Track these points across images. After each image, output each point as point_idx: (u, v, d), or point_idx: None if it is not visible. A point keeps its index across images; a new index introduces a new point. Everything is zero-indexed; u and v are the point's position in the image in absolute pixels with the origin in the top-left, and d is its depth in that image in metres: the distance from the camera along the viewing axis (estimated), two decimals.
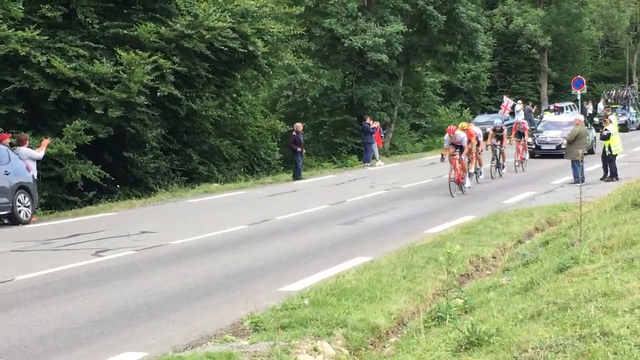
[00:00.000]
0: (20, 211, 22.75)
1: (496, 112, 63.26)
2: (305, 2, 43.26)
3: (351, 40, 44.58)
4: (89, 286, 13.78)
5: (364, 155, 41.73)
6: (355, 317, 10.76)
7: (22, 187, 22.91)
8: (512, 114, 60.38)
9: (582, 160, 25.98)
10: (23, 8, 27.53)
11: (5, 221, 22.81)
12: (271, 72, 37.20)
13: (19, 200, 22.71)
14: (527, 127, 34.52)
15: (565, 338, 8.21)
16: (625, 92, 65.91)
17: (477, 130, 30.32)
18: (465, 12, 49.18)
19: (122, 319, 11.51)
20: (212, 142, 35.81)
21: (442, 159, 27.33)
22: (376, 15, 46.60)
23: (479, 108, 67.06)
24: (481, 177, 30.35)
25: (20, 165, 23.32)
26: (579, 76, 64.19)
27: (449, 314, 10.79)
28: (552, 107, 60.72)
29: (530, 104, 64.97)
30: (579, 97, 61.51)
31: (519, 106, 59.98)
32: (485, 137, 33.13)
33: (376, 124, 42.22)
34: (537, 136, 41.22)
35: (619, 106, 60.86)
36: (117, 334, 10.77)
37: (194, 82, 32.66)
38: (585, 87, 62.96)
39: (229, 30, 31.30)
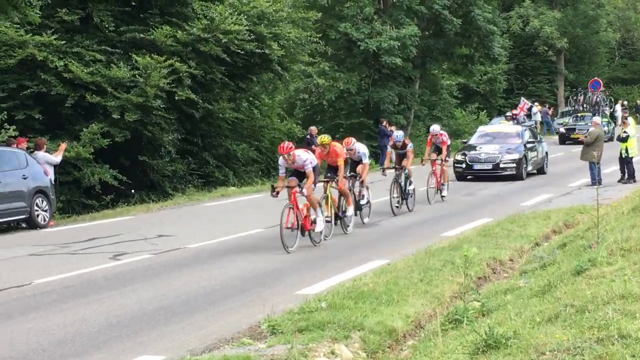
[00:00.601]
0: (38, 215, 22.83)
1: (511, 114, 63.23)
2: (319, 2, 43.26)
3: (367, 43, 44.57)
4: (106, 290, 13.82)
5: (380, 158, 41.68)
6: (373, 320, 10.75)
7: (39, 191, 22.99)
8: (529, 115, 60.28)
9: (598, 162, 25.95)
10: (40, 13, 27.65)
11: (23, 225, 22.90)
12: (287, 76, 37.23)
13: (36, 204, 22.79)
14: (447, 141, 26.14)
15: (583, 341, 8.18)
16: (595, 97, 59.87)
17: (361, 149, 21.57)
18: (482, 15, 49.10)
19: (139, 323, 11.53)
20: (228, 146, 35.83)
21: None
22: (391, 18, 46.57)
23: (496, 110, 66.90)
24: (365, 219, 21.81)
25: (38, 169, 23.39)
26: (595, 78, 63.98)
27: (466, 317, 10.77)
28: (509, 114, 55.05)
29: (547, 105, 64.86)
30: (596, 100, 61.25)
31: (535, 108, 59.89)
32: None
33: (393, 128, 42.20)
34: (469, 153, 33.18)
35: (587, 114, 54.63)
36: (135, 337, 10.79)
37: (210, 85, 32.72)
38: (602, 88, 62.35)
39: (246, 33, 31.34)
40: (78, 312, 12.24)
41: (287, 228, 17.12)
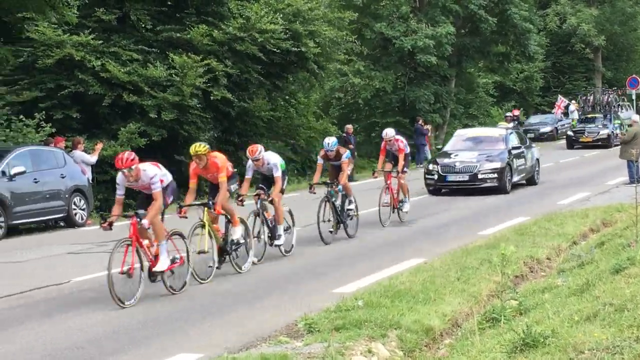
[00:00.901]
0: (75, 214, 23.02)
1: (550, 112, 62.92)
2: (354, 2, 43.20)
3: (402, 41, 44.52)
4: (145, 288, 13.86)
5: (416, 156, 41.65)
6: (409, 319, 10.73)
7: (77, 190, 23.18)
8: (566, 114, 59.92)
9: (636, 160, 25.71)
10: (77, 13, 27.84)
11: (61, 224, 23.10)
12: (323, 75, 37.23)
13: (74, 203, 22.99)
14: (404, 148, 21.10)
15: (622, 339, 8.13)
16: (607, 97, 54.29)
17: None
18: (518, 13, 48.88)
19: (177, 321, 11.57)
20: (265, 144, 35.85)
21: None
22: (427, 16, 46.48)
23: (532, 108, 66.59)
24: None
25: (76, 168, 23.59)
26: (634, 75, 63.32)
27: (504, 316, 10.73)
28: (511, 114, 51.53)
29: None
30: (634, 97, 60.69)
31: (572, 106, 59.46)
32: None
33: (429, 126, 42.17)
34: (442, 161, 27.86)
35: (598, 115, 51.23)
36: (172, 335, 10.84)
37: (246, 84, 32.76)
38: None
39: (282, 32, 31.38)
40: (116, 310, 12.30)
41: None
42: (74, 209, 22.96)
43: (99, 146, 25.47)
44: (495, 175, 27.02)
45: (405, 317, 10.76)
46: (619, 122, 49.52)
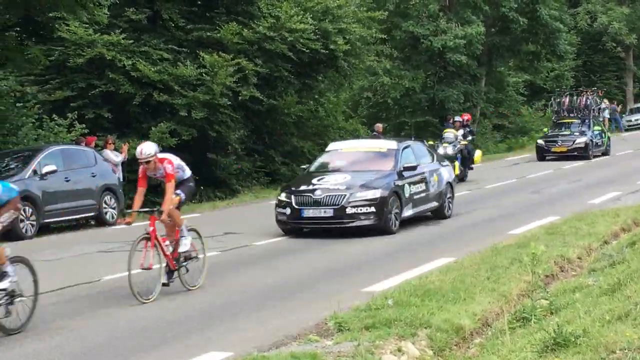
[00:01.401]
0: (106, 212, 23.15)
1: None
2: (387, 6, 43.13)
3: (430, 41, 44.45)
4: (173, 286, 13.90)
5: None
6: (439, 318, 10.71)
7: (108, 189, 23.31)
8: (598, 112, 59.54)
9: None
10: (108, 13, 28.00)
11: (92, 222, 23.24)
12: (352, 74, 37.22)
13: (105, 202, 23.12)
14: (180, 172, 14.23)
15: None
16: (584, 99, 44.90)
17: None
18: (548, 13, 48.71)
19: (207, 319, 11.62)
20: (294, 143, 35.95)
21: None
22: (457, 15, 46.39)
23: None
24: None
25: (106, 167, 23.72)
26: None
27: (534, 315, 10.69)
28: (460, 118, 36.06)
29: (616, 102, 63.97)
30: None
31: (604, 104, 59.12)
32: None
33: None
34: (298, 189, 19.52)
35: (575, 120, 42.90)
36: (202, 333, 10.88)
37: (275, 83, 32.82)
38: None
39: (311, 31, 31.40)
40: (147, 307, 12.37)
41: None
42: (105, 208, 23.10)
43: (125, 147, 25.56)
44: (373, 209, 19.05)
45: (435, 316, 10.75)
46: (599, 128, 42.93)
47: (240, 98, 30.22)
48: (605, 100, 58.88)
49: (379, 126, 36.70)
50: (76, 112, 27.13)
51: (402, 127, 47.02)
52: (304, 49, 31.42)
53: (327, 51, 32.36)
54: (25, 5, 25.38)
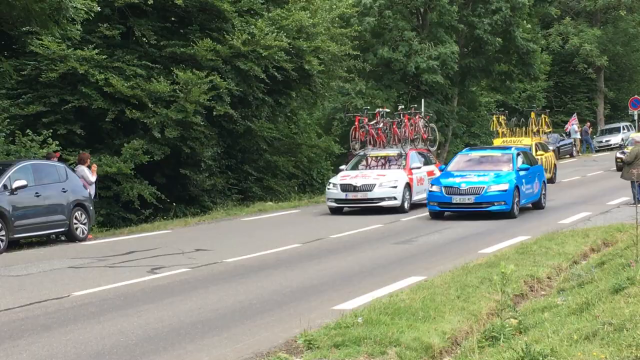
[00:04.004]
0: (77, 228, 23.04)
1: (552, 132, 62.88)
2: (361, 28, 43.24)
3: (403, 63, 44.58)
4: (144, 303, 13.89)
5: None
6: (409, 336, 10.72)
7: (79, 205, 23.20)
8: (568, 134, 59.98)
9: (638, 181, 25.73)
10: (81, 29, 27.95)
11: (63, 238, 23.13)
12: (325, 92, 37.29)
13: (75, 217, 23.01)
14: None
15: (621, 359, 8.13)
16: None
17: None
18: (522, 35, 49.06)
19: (177, 336, 11.58)
20: (268, 157, 36.02)
21: None
22: (431, 34, 46.59)
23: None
24: None
25: (77, 182, 23.62)
26: (636, 96, 63.42)
27: (503, 334, 10.72)
28: None
29: (588, 124, 64.45)
30: (635, 117, 60.76)
31: (575, 126, 59.57)
32: None
33: None
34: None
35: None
36: (172, 350, 10.84)
37: (249, 102, 32.84)
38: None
39: (285, 51, 31.42)
40: (116, 324, 12.32)
41: None
42: (75, 224, 22.99)
43: (94, 167, 25.39)
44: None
45: (405, 335, 10.76)
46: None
47: (215, 113, 30.20)
48: (576, 121, 59.26)
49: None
50: (51, 129, 27.05)
51: None
52: (277, 69, 31.44)
53: (301, 71, 32.43)
54: None
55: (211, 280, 16.23)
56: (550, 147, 56.76)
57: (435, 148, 34.02)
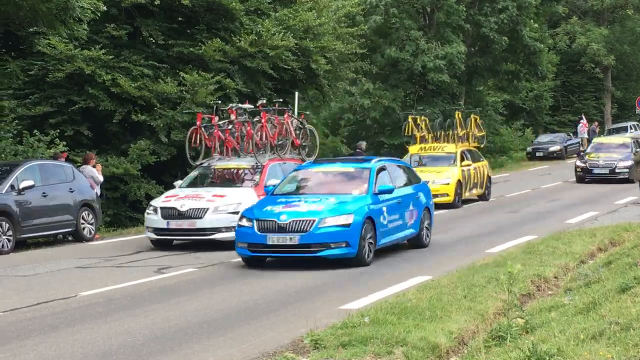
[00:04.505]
0: (84, 228, 23.07)
1: (559, 131, 62.86)
2: (367, 26, 43.23)
3: (410, 62, 44.55)
4: (150, 303, 13.92)
5: None
6: (416, 336, 10.72)
7: (86, 205, 23.23)
8: (576, 132, 59.92)
9: None
10: (88, 29, 27.96)
11: (70, 238, 23.16)
12: (332, 94, 37.24)
13: (82, 218, 23.03)
14: None
15: (628, 358, 8.12)
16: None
17: None
18: (529, 34, 49.00)
19: (183, 336, 11.59)
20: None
21: None
22: (437, 34, 46.55)
23: (542, 127, 66.57)
24: None
25: (84, 182, 23.63)
26: None
27: (510, 334, 10.71)
28: None
29: (596, 123, 64.35)
30: None
31: (583, 126, 59.52)
32: None
33: None
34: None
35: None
36: (178, 350, 10.85)
37: (257, 101, 32.72)
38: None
39: (292, 49, 31.38)
40: (122, 324, 12.33)
41: None
42: (82, 224, 23.01)
43: (99, 167, 25.38)
44: None
45: (412, 334, 10.76)
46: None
47: (222, 115, 30.14)
48: (584, 122, 59.27)
49: (363, 144, 36.80)
50: (58, 130, 27.09)
51: (382, 145, 47.04)
52: (285, 67, 31.42)
53: (307, 70, 32.39)
54: (4, 20, 25.33)
55: (218, 280, 16.27)
56: (557, 147, 56.88)
57: (313, 157, 23.64)
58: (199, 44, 30.65)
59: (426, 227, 20.09)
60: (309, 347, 10.45)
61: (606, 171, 37.27)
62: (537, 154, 55.39)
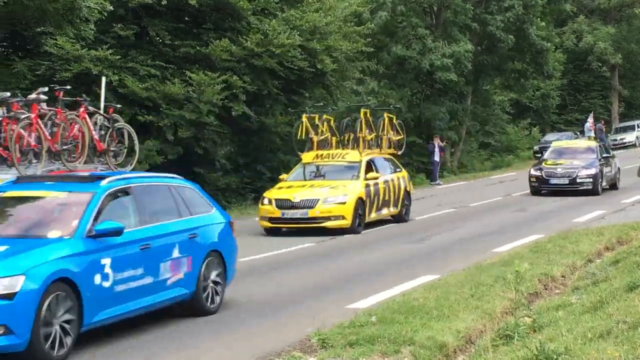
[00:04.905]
0: None
1: (566, 130, 62.78)
2: (374, 24, 43.20)
3: (417, 61, 44.51)
4: None
5: (432, 173, 41.75)
6: (423, 335, 10.73)
7: None
8: (582, 132, 59.85)
9: None
10: (95, 29, 27.97)
11: None
12: (339, 94, 37.23)
13: None
14: None
15: (635, 357, 8.12)
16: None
17: None
18: (536, 32, 48.93)
19: (190, 335, 11.60)
20: (281, 158, 35.93)
21: None
22: (445, 33, 46.50)
23: (549, 126, 66.50)
24: None
25: None
26: None
27: (518, 333, 10.72)
28: None
29: (602, 122, 64.26)
30: None
31: (589, 124, 59.44)
32: None
33: (438, 142, 41.99)
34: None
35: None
36: (185, 349, 10.86)
37: (263, 100, 32.80)
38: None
39: (298, 48, 31.40)
40: (129, 322, 12.33)
41: None
42: None
43: None
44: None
45: (419, 334, 10.77)
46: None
47: (233, 113, 30.25)
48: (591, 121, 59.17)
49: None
50: None
51: None
52: (292, 66, 31.41)
53: (314, 69, 32.39)
54: (12, 20, 25.37)
55: None
56: None
57: (130, 167, 17.42)
58: (208, 43, 30.68)
59: (213, 283, 13.13)
60: (316, 346, 10.47)
61: (565, 181, 31.65)
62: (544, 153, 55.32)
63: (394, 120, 28.90)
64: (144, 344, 11.18)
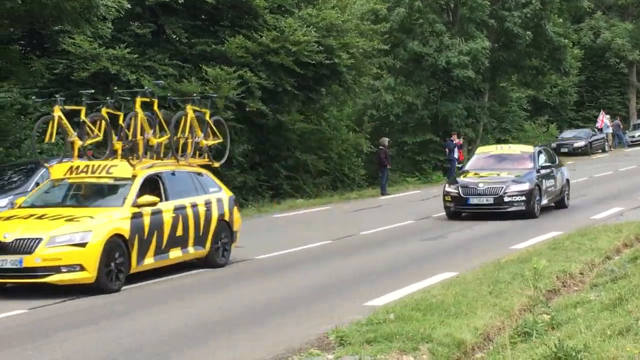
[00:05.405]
0: None
1: (584, 126, 62.54)
2: (391, 20, 43.10)
3: (434, 58, 44.41)
4: (175, 300, 13.96)
5: (449, 171, 41.60)
6: (441, 332, 10.71)
7: None
8: (600, 129, 59.60)
9: None
10: (112, 28, 28.03)
11: None
12: (356, 90, 37.21)
13: None
14: None
15: None
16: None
17: None
18: (552, 29, 48.76)
19: (207, 333, 11.61)
20: (297, 156, 35.92)
21: None
22: (462, 30, 46.37)
23: (566, 123, 66.22)
24: None
25: None
26: None
27: (536, 330, 10.69)
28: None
29: (619, 118, 64.00)
30: None
31: (607, 120, 59.22)
32: None
33: (456, 139, 41.88)
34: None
35: None
36: (202, 347, 10.86)
37: (280, 97, 32.82)
38: None
39: (315, 44, 31.39)
40: (145, 321, 12.38)
41: None
42: None
43: None
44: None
45: (437, 331, 10.74)
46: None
47: (247, 109, 30.25)
48: (608, 116, 58.94)
49: (386, 140, 36.79)
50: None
51: (405, 142, 46.84)
52: (308, 61, 31.39)
53: (330, 63, 32.35)
54: (30, 19, 25.44)
55: (242, 277, 16.30)
56: (582, 142, 56.57)
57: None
58: (224, 41, 30.71)
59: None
60: (334, 344, 10.46)
61: (490, 200, 24.38)
62: (562, 150, 55.02)
63: (207, 116, 19.36)
64: (161, 341, 11.20)
